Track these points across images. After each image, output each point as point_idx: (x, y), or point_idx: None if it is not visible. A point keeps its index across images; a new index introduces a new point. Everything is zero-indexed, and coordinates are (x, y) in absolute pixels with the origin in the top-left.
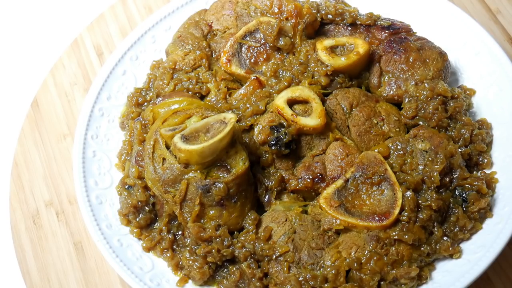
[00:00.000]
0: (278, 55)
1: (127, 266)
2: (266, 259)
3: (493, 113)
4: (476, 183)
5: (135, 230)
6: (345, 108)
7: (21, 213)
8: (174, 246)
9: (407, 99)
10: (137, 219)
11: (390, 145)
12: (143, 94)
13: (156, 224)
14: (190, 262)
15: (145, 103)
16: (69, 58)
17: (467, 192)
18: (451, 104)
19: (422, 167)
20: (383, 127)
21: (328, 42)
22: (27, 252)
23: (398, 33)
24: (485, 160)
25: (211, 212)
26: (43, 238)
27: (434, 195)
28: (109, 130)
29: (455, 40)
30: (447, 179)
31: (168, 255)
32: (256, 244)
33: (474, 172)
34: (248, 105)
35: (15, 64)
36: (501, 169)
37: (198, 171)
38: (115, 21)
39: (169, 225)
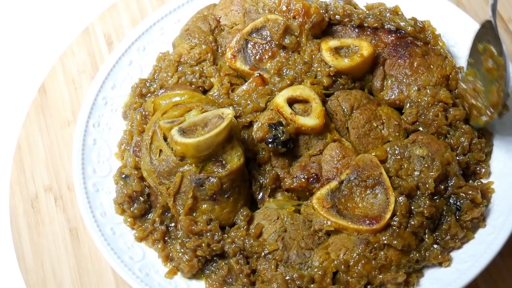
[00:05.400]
0: (283, 53)
1: (117, 255)
2: (255, 256)
3: (494, 123)
4: (470, 192)
5: (129, 220)
6: (345, 110)
7: (20, 197)
8: (166, 238)
9: (408, 104)
10: (132, 209)
11: (388, 149)
12: (147, 85)
13: (150, 214)
14: (180, 254)
15: (149, 94)
16: (79, 46)
17: (461, 201)
18: (451, 112)
19: (418, 173)
20: (382, 131)
21: (333, 42)
22: (23, 236)
23: (404, 37)
24: (483, 170)
25: (203, 206)
26: (40, 222)
27: (428, 202)
28: (111, 119)
29: (463, 48)
30: (442, 186)
31: (159, 246)
32: (246, 240)
33: (471, 181)
34: (249, 102)
35: (26, 50)
36: (498, 179)
37: (193, 165)
38: (126, 11)
39: (163, 217)
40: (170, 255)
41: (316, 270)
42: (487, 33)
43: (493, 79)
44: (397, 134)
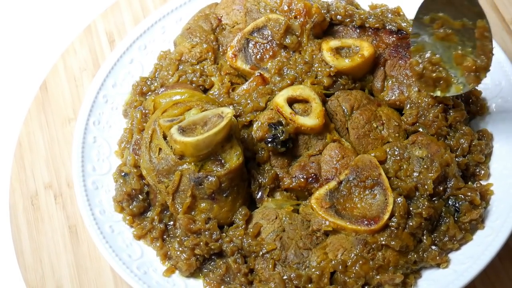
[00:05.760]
0: (284, 53)
1: (115, 253)
2: (253, 255)
3: (496, 124)
4: (469, 193)
5: (128, 218)
6: (345, 110)
7: (20, 194)
8: (165, 236)
9: (408, 105)
10: (131, 207)
11: (388, 150)
12: (148, 83)
13: (148, 213)
14: (178, 253)
15: (149, 93)
16: (81, 43)
17: (460, 202)
18: (451, 113)
19: (417, 174)
20: (382, 132)
21: (334, 43)
22: (22, 233)
23: (406, 38)
24: (482, 172)
25: (202, 204)
26: (40, 219)
27: (426, 203)
28: (111, 117)
29: None
30: (441, 188)
31: (158, 244)
32: (244, 239)
33: (470, 183)
34: (249, 101)
35: (28, 48)
36: (497, 181)
37: (192, 163)
38: (129, 10)
39: (161, 215)
40: (169, 253)
41: (313, 270)
42: (435, 3)
43: (452, 44)
44: (396, 135)
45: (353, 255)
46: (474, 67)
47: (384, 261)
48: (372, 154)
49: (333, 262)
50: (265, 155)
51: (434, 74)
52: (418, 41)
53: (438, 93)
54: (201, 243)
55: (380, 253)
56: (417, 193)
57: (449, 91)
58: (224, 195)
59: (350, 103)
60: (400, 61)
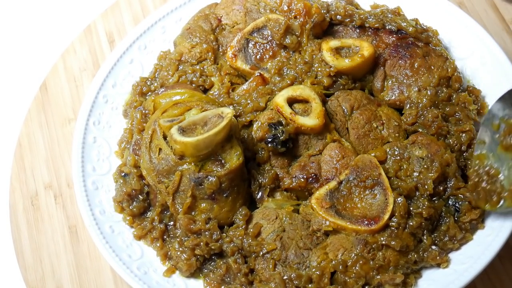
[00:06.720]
0: (284, 53)
1: (115, 253)
2: (253, 255)
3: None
4: (469, 193)
5: (128, 218)
6: (345, 110)
7: (20, 194)
8: (165, 236)
9: (408, 105)
10: (131, 207)
11: (388, 150)
12: (148, 83)
13: (149, 213)
14: (179, 253)
15: (149, 93)
16: (81, 43)
17: (460, 202)
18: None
19: (417, 174)
20: (382, 132)
21: (333, 43)
22: (22, 233)
23: (405, 38)
24: None
25: (202, 205)
26: (40, 219)
27: (426, 203)
28: (111, 118)
29: (463, 49)
30: (441, 187)
31: (158, 244)
32: (244, 239)
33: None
34: (249, 101)
35: (28, 48)
36: None
37: (193, 164)
38: (129, 10)
39: (162, 215)
40: (169, 253)
41: (314, 270)
42: (505, 107)
43: None
44: (397, 135)
45: (353, 255)
46: None
47: (384, 261)
48: (372, 154)
49: (333, 262)
50: (265, 155)
51: (488, 186)
52: (482, 150)
53: (488, 207)
54: (202, 243)
55: (380, 253)
56: (417, 193)
57: (499, 206)
58: (224, 195)
59: (350, 103)
60: (400, 61)
